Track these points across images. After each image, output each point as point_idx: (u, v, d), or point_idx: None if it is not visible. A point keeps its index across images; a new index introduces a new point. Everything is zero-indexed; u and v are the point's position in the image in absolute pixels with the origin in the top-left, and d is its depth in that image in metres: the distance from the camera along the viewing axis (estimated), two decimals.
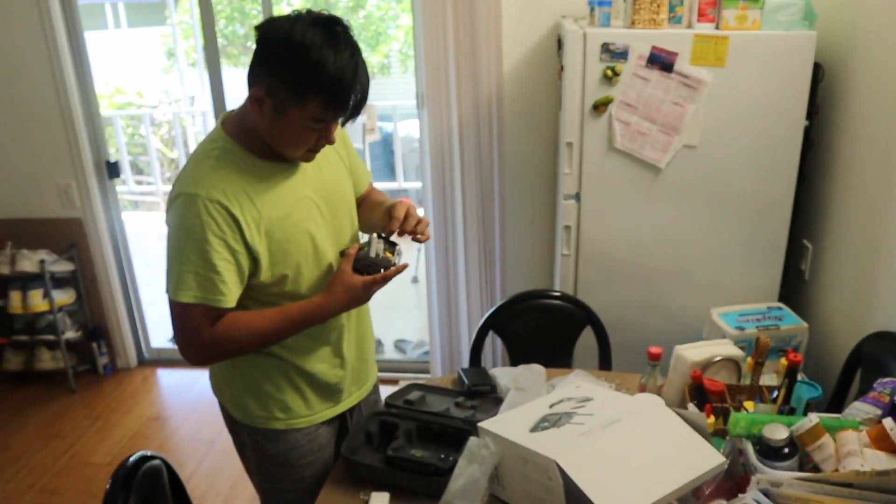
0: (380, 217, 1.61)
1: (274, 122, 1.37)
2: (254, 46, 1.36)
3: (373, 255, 1.49)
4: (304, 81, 1.30)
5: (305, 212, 1.51)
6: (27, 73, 3.31)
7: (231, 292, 1.41)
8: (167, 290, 1.42)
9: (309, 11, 1.34)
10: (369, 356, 1.79)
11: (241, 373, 1.61)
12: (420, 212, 1.62)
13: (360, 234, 1.68)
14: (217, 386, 1.70)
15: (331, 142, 1.44)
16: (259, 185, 1.43)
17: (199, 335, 1.42)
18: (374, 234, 1.52)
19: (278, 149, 1.44)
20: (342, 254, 1.53)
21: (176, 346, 1.48)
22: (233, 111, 1.50)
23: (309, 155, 1.47)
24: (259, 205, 1.42)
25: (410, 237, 1.55)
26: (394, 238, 1.54)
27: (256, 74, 1.35)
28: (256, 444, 1.66)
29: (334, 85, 1.31)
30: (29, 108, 3.37)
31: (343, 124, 1.46)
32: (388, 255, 1.51)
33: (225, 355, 1.53)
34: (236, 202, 1.39)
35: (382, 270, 1.49)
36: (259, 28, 1.35)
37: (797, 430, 1.38)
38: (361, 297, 1.51)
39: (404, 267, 1.53)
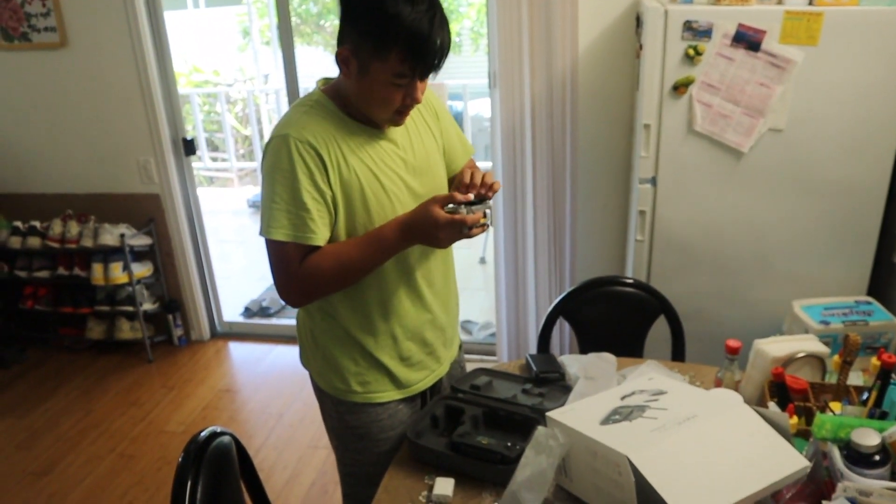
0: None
1: (360, 82, 1.40)
2: (326, 24, 1.36)
3: (476, 208, 1.42)
4: (382, 34, 1.32)
5: (395, 180, 1.52)
6: (110, 53, 3.41)
7: (320, 231, 1.44)
8: (260, 230, 1.45)
9: None
10: (449, 332, 1.76)
11: (322, 343, 1.64)
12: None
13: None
14: (304, 356, 1.74)
15: (416, 101, 1.44)
16: (351, 140, 1.47)
17: (292, 272, 1.45)
18: (488, 203, 1.46)
19: (367, 111, 1.46)
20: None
21: (276, 289, 1.50)
22: (332, 78, 1.54)
23: (397, 118, 1.48)
24: (348, 157, 1.45)
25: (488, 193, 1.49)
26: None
27: (341, 34, 1.39)
28: (339, 415, 1.69)
29: (412, 36, 1.32)
30: (111, 87, 3.48)
31: (422, 79, 1.43)
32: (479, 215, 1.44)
33: (318, 289, 1.50)
34: (324, 144, 1.43)
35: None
36: None
37: (890, 436, 1.29)
38: (440, 229, 1.40)
39: (484, 227, 1.44)
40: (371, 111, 1.46)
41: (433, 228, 1.41)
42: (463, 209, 1.42)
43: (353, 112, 1.49)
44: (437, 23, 1.35)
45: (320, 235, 1.44)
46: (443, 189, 1.65)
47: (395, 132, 1.54)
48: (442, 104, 1.71)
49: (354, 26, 1.36)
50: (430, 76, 1.44)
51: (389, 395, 1.66)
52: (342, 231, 1.49)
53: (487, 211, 1.46)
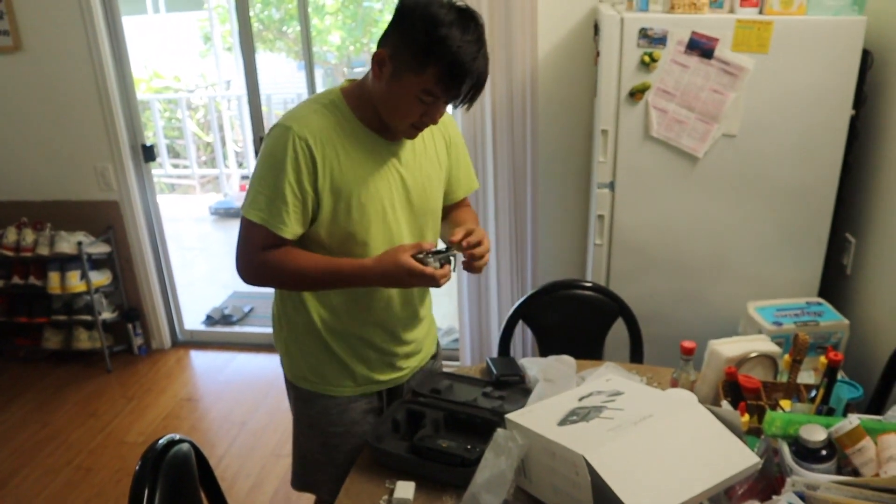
0: (449, 230, 1.66)
1: (388, 86, 1.43)
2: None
3: (436, 258, 1.50)
4: (427, 49, 1.36)
5: (387, 191, 1.55)
6: (66, 57, 3.35)
7: (292, 225, 1.49)
8: (241, 206, 1.52)
9: None
10: (417, 345, 1.79)
11: (288, 326, 1.70)
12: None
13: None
14: (275, 334, 1.78)
15: (433, 122, 1.50)
16: (353, 146, 1.50)
17: (254, 253, 1.51)
18: (454, 248, 1.54)
19: (385, 115, 1.49)
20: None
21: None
22: (356, 79, 1.57)
23: (411, 131, 1.52)
24: (343, 161, 1.49)
25: (467, 257, 1.57)
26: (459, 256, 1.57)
27: (386, 37, 1.44)
28: (295, 398, 1.76)
29: (453, 61, 1.36)
30: (67, 92, 3.42)
31: (455, 107, 1.49)
32: (447, 268, 1.52)
33: (269, 282, 1.60)
34: (320, 147, 1.46)
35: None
36: None
37: (836, 431, 1.34)
38: (403, 278, 1.49)
39: (444, 277, 1.51)
40: (389, 116, 1.49)
41: (406, 277, 1.48)
42: (431, 259, 1.49)
43: (367, 118, 1.52)
44: (481, 57, 1.40)
45: (290, 229, 1.49)
46: (434, 214, 1.69)
47: (401, 148, 1.57)
48: (459, 134, 1.74)
49: (401, 33, 1.40)
50: (459, 108, 1.49)
51: (342, 390, 1.69)
52: (323, 231, 1.53)
53: (453, 259, 1.53)
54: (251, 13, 3.30)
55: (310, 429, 1.74)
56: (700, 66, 2.28)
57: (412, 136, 1.55)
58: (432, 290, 1.74)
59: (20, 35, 3.33)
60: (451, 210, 1.78)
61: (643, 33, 2.27)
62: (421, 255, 1.49)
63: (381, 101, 1.48)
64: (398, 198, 1.58)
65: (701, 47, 2.26)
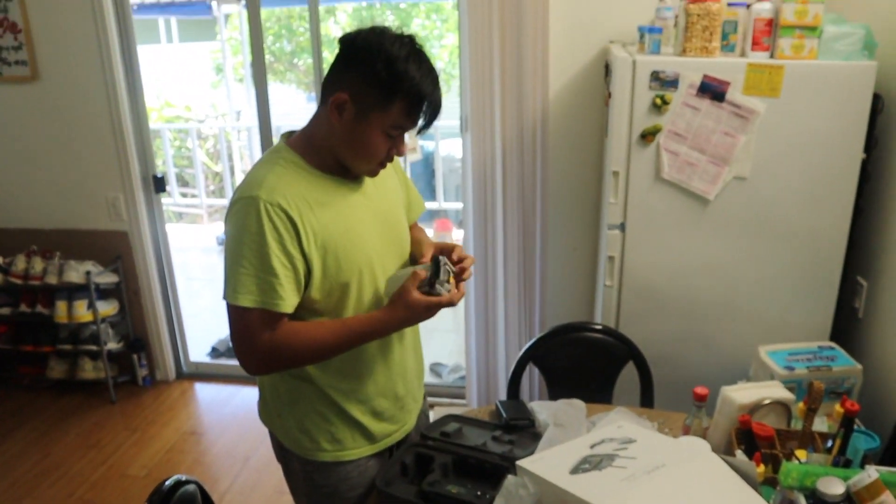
0: (416, 252, 1.65)
1: (352, 128, 1.41)
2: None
3: (442, 276, 1.49)
4: (391, 87, 1.37)
5: (366, 231, 1.52)
6: (81, 87, 3.39)
7: (289, 297, 1.41)
8: (224, 295, 1.41)
9: (386, 28, 1.42)
10: (416, 385, 1.77)
11: (289, 401, 1.60)
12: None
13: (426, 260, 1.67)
14: (266, 413, 1.68)
15: (401, 153, 1.49)
16: (320, 197, 1.45)
17: (257, 341, 1.41)
18: (443, 258, 1.52)
19: (349, 159, 1.47)
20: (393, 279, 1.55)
21: (234, 353, 1.48)
22: (295, 130, 1.53)
23: (377, 169, 1.51)
24: (319, 215, 1.44)
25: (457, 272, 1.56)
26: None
27: (339, 80, 1.41)
28: (307, 474, 1.64)
29: (418, 93, 1.38)
30: (82, 122, 3.45)
31: (417, 134, 1.49)
32: (452, 280, 1.51)
33: (281, 363, 1.50)
34: (296, 208, 1.40)
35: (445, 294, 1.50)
36: (345, 38, 1.42)
37: (854, 485, 1.31)
38: (422, 315, 1.50)
39: (461, 295, 1.54)
40: (354, 158, 1.46)
41: (425, 313, 1.48)
42: (438, 286, 1.48)
43: (322, 164, 1.48)
44: (437, 85, 1.43)
45: (288, 302, 1.41)
46: (406, 237, 1.67)
47: (363, 184, 1.55)
48: (397, 159, 1.68)
49: (360, 74, 1.38)
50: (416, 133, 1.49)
51: (360, 451, 1.63)
52: (316, 290, 1.47)
53: (450, 271, 1.52)
54: (264, 45, 3.34)
55: (327, 499, 1.65)
56: (711, 108, 2.28)
57: (376, 174, 1.53)
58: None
59: (38, 65, 3.37)
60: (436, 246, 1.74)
61: (655, 76, 2.29)
62: (426, 289, 1.49)
63: (344, 144, 1.44)
64: (377, 233, 1.55)
65: (712, 90, 2.27)
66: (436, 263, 1.50)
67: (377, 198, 1.57)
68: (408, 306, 1.47)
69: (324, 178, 1.48)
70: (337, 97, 1.39)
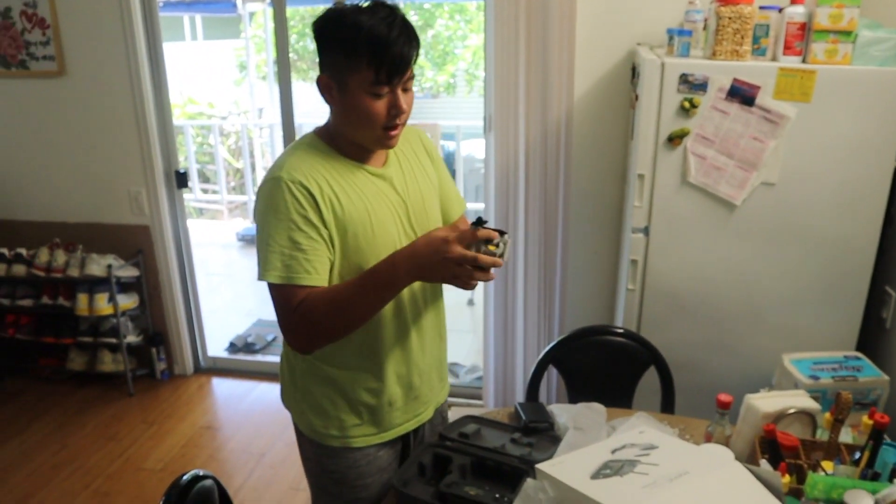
0: None
1: (342, 103, 1.42)
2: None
3: (482, 239, 1.32)
4: (348, 46, 1.36)
5: (388, 219, 1.51)
6: (107, 82, 3.42)
7: (317, 270, 1.41)
8: (259, 275, 1.43)
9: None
10: (434, 378, 1.74)
11: (301, 384, 1.63)
12: None
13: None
14: (285, 395, 1.71)
15: (401, 110, 1.43)
16: (341, 179, 1.46)
17: (290, 314, 1.42)
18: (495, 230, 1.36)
19: (356, 134, 1.47)
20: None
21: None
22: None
23: (388, 136, 1.46)
24: (339, 194, 1.45)
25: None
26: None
27: (319, 67, 1.43)
28: (317, 458, 1.66)
29: (373, 41, 1.35)
30: (107, 117, 3.48)
31: (397, 85, 1.41)
32: (493, 248, 1.34)
33: (317, 332, 1.43)
34: (315, 184, 1.42)
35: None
36: (312, 26, 1.44)
37: (883, 499, 1.28)
38: (437, 265, 1.34)
39: (494, 266, 1.35)
40: (358, 132, 1.46)
41: (442, 263, 1.33)
42: (475, 247, 1.32)
43: (346, 150, 1.50)
44: (397, 27, 1.37)
45: (315, 275, 1.41)
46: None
47: (390, 171, 1.54)
48: (435, 149, 1.72)
49: (326, 49, 1.40)
50: (409, 82, 1.44)
51: (369, 439, 1.63)
52: (337, 274, 1.47)
53: (503, 245, 1.36)
54: (288, 43, 3.34)
55: (336, 486, 1.66)
56: (741, 113, 2.25)
57: (392, 143, 1.48)
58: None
59: (65, 60, 3.40)
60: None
61: (684, 79, 2.25)
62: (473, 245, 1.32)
63: (346, 123, 1.46)
64: (400, 222, 1.54)
65: (742, 94, 2.23)
66: (477, 224, 1.35)
67: (404, 186, 1.56)
68: (429, 243, 1.35)
69: (346, 163, 1.49)
70: (320, 79, 1.43)
